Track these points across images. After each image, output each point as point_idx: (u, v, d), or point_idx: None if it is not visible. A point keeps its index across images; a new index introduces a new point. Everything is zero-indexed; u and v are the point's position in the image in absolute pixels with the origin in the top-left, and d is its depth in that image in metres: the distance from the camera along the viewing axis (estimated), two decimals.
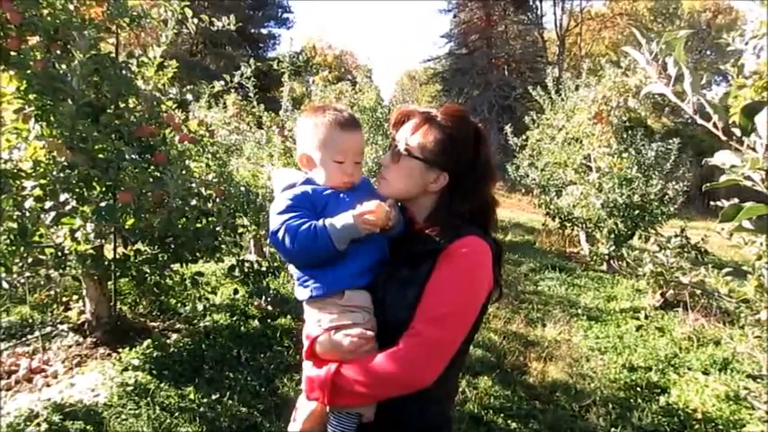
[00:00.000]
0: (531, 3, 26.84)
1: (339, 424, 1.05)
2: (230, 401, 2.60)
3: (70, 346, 3.06)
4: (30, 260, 2.52)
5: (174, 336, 3.32)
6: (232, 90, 4.07)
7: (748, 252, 2.10)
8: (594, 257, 6.38)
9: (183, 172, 2.82)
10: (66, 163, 2.55)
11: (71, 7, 2.67)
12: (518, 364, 3.47)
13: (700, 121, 0.81)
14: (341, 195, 1.12)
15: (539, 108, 8.31)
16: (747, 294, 2.17)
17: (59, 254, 2.64)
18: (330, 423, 1.07)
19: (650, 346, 3.88)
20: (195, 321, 3.59)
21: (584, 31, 28.70)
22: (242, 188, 3.66)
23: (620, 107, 6.32)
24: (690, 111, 0.81)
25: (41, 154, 2.57)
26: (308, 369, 1.09)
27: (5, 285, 2.47)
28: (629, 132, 6.53)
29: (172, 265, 3.05)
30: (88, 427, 2.29)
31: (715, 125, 0.79)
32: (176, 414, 2.44)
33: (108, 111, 2.74)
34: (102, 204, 2.59)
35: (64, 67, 2.53)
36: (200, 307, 3.60)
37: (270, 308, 3.89)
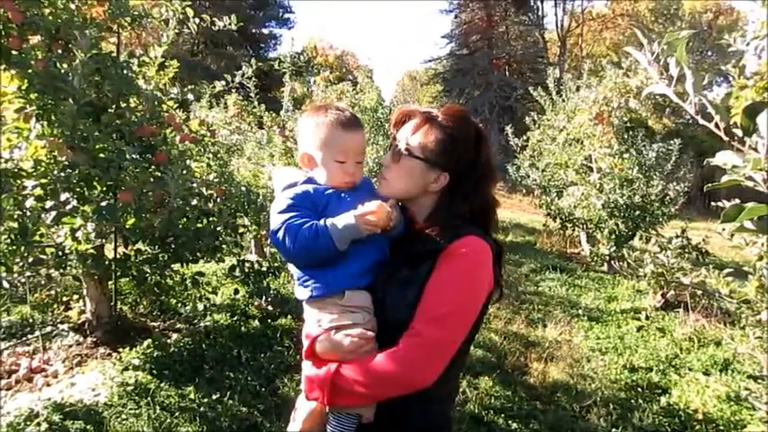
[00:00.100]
0: (532, 3, 26.84)
1: (338, 425, 1.05)
2: (231, 401, 2.60)
3: (71, 346, 3.07)
4: (30, 260, 2.52)
5: (175, 336, 3.32)
6: (233, 90, 4.08)
7: (749, 253, 2.10)
8: (595, 258, 6.38)
9: (184, 172, 2.82)
10: (66, 162, 2.55)
11: (72, 6, 2.67)
12: (519, 364, 3.47)
13: (701, 121, 0.81)
14: (342, 195, 1.12)
15: (539, 109, 8.31)
16: (748, 295, 2.17)
17: (60, 253, 2.64)
18: (329, 423, 1.06)
19: (651, 347, 3.88)
20: (196, 321, 3.59)
21: (586, 31, 28.70)
22: (243, 188, 3.66)
23: (621, 108, 6.31)
24: (692, 111, 0.80)
25: (42, 153, 2.57)
26: (308, 369, 1.09)
27: (6, 285, 2.47)
28: (630, 133, 6.53)
29: (172, 265, 3.05)
30: (88, 427, 2.29)
31: (717, 125, 0.78)
32: (177, 414, 2.44)
33: (109, 110, 2.74)
34: (103, 204, 2.59)
35: (65, 66, 2.53)
36: (200, 307, 3.60)
37: (270, 308, 3.89)
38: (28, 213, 2.40)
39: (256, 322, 3.62)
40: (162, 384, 2.67)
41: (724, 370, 3.48)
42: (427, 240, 1.08)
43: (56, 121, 2.51)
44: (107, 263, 2.92)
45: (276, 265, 3.52)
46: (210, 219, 3.07)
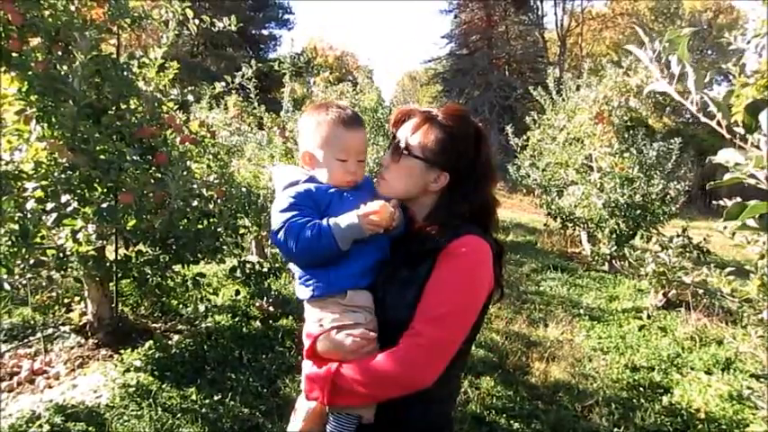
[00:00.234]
0: (531, 3, 26.83)
1: (338, 425, 1.05)
2: (232, 402, 2.60)
3: (72, 348, 3.07)
4: (31, 262, 2.51)
5: (176, 337, 3.32)
6: (233, 91, 4.07)
7: (751, 251, 2.09)
8: (596, 257, 6.37)
9: (185, 173, 2.82)
10: (67, 164, 2.55)
11: (72, 8, 2.67)
12: (520, 364, 3.46)
13: (703, 118, 0.81)
14: (344, 194, 1.11)
15: (540, 108, 8.31)
16: (750, 294, 2.16)
17: (61, 255, 2.64)
18: (329, 424, 1.06)
19: (653, 346, 3.87)
20: (197, 322, 3.59)
21: (585, 31, 28.68)
22: (243, 189, 3.66)
23: (621, 107, 6.31)
24: (693, 109, 0.80)
25: (43, 155, 2.57)
26: (308, 368, 1.08)
27: (7, 287, 2.47)
28: (631, 132, 6.52)
29: (173, 267, 3.05)
30: (90, 429, 2.29)
31: (719, 123, 0.78)
32: (178, 415, 2.44)
33: (109, 112, 2.74)
34: (104, 205, 2.60)
35: (65, 68, 2.53)
36: (201, 308, 3.60)
37: (271, 309, 3.89)
38: (29, 215, 2.40)
39: (258, 323, 3.62)
40: (163, 386, 2.67)
41: (726, 369, 3.47)
42: (427, 240, 1.07)
43: (56, 123, 2.51)
44: (108, 264, 2.93)
45: (277, 265, 3.52)
46: (211, 220, 3.07)
